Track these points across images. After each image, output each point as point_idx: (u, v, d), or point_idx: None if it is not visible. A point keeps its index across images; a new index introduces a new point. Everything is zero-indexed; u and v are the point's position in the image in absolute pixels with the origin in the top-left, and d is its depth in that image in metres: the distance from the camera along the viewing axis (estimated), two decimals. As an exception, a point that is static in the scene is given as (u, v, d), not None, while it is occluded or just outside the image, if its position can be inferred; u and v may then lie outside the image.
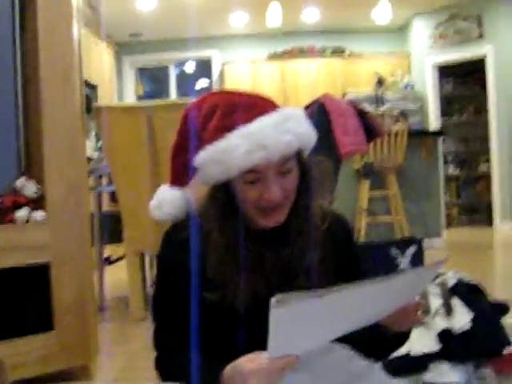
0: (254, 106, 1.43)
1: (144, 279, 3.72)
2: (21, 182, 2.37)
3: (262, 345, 1.23)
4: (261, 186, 1.38)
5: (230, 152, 1.35)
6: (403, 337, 1.48)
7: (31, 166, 2.47)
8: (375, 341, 1.44)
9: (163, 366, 1.52)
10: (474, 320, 2.03)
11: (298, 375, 1.32)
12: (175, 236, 1.51)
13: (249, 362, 1.27)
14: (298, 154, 1.44)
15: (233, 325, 1.37)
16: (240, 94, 1.46)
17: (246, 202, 1.41)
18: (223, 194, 1.42)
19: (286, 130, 1.38)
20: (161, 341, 1.54)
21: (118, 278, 4.98)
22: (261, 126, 1.38)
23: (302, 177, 1.46)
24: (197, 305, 1.42)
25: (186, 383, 1.33)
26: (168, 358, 1.50)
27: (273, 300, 1.12)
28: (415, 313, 1.35)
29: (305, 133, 1.44)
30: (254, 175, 1.37)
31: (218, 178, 1.40)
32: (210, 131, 1.41)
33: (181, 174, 1.56)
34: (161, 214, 1.57)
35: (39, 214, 2.35)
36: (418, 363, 2.03)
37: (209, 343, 1.42)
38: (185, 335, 1.44)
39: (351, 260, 1.59)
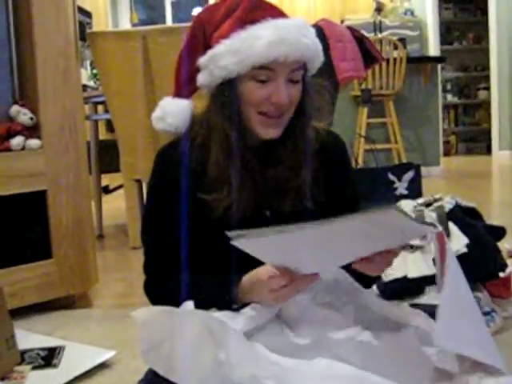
0: (276, 7, 1.44)
1: (142, 206, 3.73)
2: (15, 109, 2.34)
3: (253, 261, 1.28)
4: (270, 88, 1.38)
5: (252, 41, 1.35)
6: (370, 279, 1.47)
7: (25, 93, 2.43)
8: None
9: (154, 290, 1.54)
10: (470, 243, 2.03)
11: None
12: (168, 154, 1.51)
13: (268, 270, 1.30)
14: (305, 71, 1.45)
15: (223, 238, 1.39)
16: None
17: (251, 103, 1.41)
18: (227, 94, 1.41)
19: (305, 35, 1.39)
20: (151, 263, 1.54)
21: (116, 207, 5.00)
22: (284, 23, 1.39)
23: (302, 95, 1.45)
24: (187, 216, 1.43)
25: (180, 302, 1.33)
26: (159, 281, 1.51)
27: (229, 234, 1.18)
28: (390, 262, 1.31)
29: (318, 47, 1.45)
30: (267, 73, 1.37)
31: (229, 71, 1.38)
32: (231, 22, 1.40)
33: (185, 85, 1.53)
34: (164, 126, 1.54)
35: (34, 142, 2.33)
36: (415, 286, 2.05)
37: (200, 261, 1.44)
38: (176, 256, 1.45)
39: (345, 181, 1.58)
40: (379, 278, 1.69)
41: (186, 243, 1.43)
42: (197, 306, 1.30)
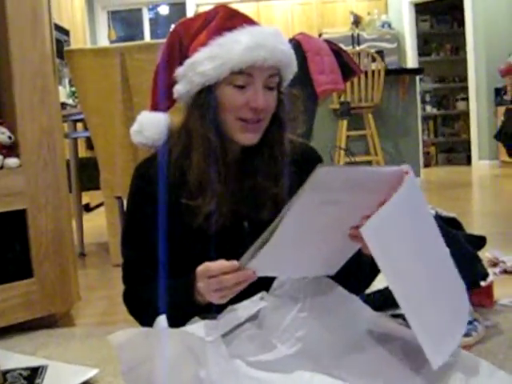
0: (251, 17, 1.49)
1: (123, 223, 3.71)
2: (-8, 128, 2.33)
3: None
4: (248, 93, 1.42)
5: (231, 46, 1.39)
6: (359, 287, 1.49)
7: (3, 112, 2.42)
8: (357, 270, 1.45)
9: (132, 298, 1.54)
10: (451, 252, 2.04)
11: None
12: (145, 169, 1.52)
13: (205, 265, 1.32)
14: (280, 80, 1.49)
15: (202, 248, 1.39)
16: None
17: (230, 109, 1.43)
18: (206, 100, 1.43)
19: (281, 42, 1.45)
20: (129, 274, 1.55)
21: (98, 225, 4.97)
22: (261, 30, 1.44)
23: (277, 104, 1.48)
24: (165, 227, 1.45)
25: (159, 308, 1.33)
26: (137, 290, 1.52)
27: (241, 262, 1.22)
28: None
29: (292, 56, 1.49)
30: (245, 78, 1.41)
31: (208, 77, 1.41)
32: (209, 31, 1.43)
33: (162, 98, 1.55)
34: (141, 139, 1.56)
35: (12, 161, 2.31)
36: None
37: (179, 270, 1.44)
38: (154, 267, 1.46)
39: None
40: (367, 285, 1.70)
41: (164, 252, 1.44)
42: (170, 313, 1.30)
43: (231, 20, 1.44)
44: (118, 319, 2.47)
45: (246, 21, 1.46)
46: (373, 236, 1.17)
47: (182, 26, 1.52)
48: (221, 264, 1.28)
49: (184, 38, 1.48)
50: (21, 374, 1.87)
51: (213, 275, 1.28)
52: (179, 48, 1.49)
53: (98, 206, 6.15)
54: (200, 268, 1.32)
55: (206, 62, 1.40)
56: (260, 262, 1.24)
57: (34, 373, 1.88)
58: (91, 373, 1.86)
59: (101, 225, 4.57)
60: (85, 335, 2.37)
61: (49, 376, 1.86)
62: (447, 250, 1.34)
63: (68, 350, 2.19)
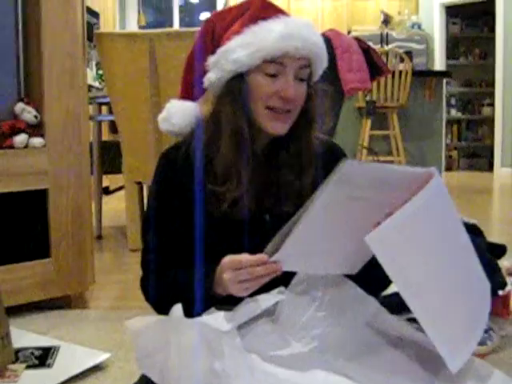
0: (284, 10, 1.49)
1: (142, 209, 3.72)
2: (20, 106, 2.34)
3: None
4: (279, 82, 1.42)
5: (264, 34, 1.39)
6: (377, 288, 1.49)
7: (31, 91, 2.43)
8: (375, 271, 1.44)
9: (149, 284, 1.54)
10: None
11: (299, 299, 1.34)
12: (170, 156, 1.52)
13: (233, 257, 1.31)
14: (310, 74, 1.49)
15: (222, 238, 1.39)
16: None
17: (260, 97, 1.44)
18: (237, 87, 1.44)
19: (314, 33, 1.45)
20: (148, 260, 1.55)
21: (116, 208, 5.00)
22: (295, 20, 1.45)
23: (306, 99, 1.48)
24: (200, 217, 1.44)
25: (177, 298, 1.33)
26: (154, 277, 1.52)
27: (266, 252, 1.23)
28: None
29: (324, 50, 1.49)
30: (277, 67, 1.41)
31: (240, 64, 1.41)
32: (243, 21, 1.44)
33: (192, 87, 1.56)
34: (168, 126, 1.58)
35: (38, 141, 2.32)
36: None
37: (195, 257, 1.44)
38: (173, 255, 1.48)
39: None
40: (385, 287, 1.68)
41: (201, 240, 1.44)
42: (186, 303, 1.30)
43: (265, 10, 1.45)
44: (131, 305, 2.48)
45: (280, 11, 1.46)
46: (378, 245, 1.15)
47: (216, 16, 1.52)
48: (249, 256, 1.28)
49: (217, 28, 1.48)
50: (33, 353, 1.88)
51: (241, 267, 1.28)
52: (212, 37, 1.49)
53: (117, 189, 6.17)
54: (227, 259, 1.32)
55: (239, 50, 1.40)
56: (284, 255, 1.24)
57: (46, 353, 1.89)
58: (103, 357, 1.87)
59: (119, 208, 4.59)
60: (98, 318, 2.38)
61: (60, 357, 1.88)
62: (475, 256, 1.32)
63: (80, 332, 2.20)
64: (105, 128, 5.49)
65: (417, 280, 1.20)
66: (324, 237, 1.24)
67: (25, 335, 2.04)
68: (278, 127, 1.46)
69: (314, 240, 1.23)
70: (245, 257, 1.29)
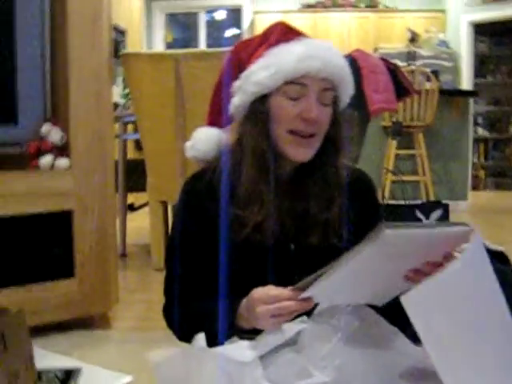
0: (306, 33, 1.49)
1: (166, 228, 3.73)
2: (46, 128, 2.36)
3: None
4: (301, 104, 1.40)
5: (284, 56, 1.39)
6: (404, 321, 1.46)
7: (57, 112, 2.45)
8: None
9: (172, 312, 1.53)
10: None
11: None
12: (194, 183, 1.52)
13: (266, 291, 1.29)
14: (335, 99, 1.47)
15: (245, 266, 1.39)
16: None
17: (282, 120, 1.42)
18: (260, 110, 1.43)
19: (336, 53, 1.44)
20: (171, 288, 1.54)
21: (140, 226, 5.00)
22: (315, 42, 1.44)
23: (332, 124, 1.46)
24: (225, 243, 1.43)
25: (200, 327, 1.32)
26: (177, 305, 1.51)
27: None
28: None
29: (348, 72, 1.48)
30: (299, 89, 1.40)
31: (261, 86, 1.41)
32: (267, 45, 1.44)
33: (219, 115, 1.56)
34: (193, 153, 1.59)
35: (63, 161, 2.34)
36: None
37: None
38: (196, 284, 1.48)
39: (373, 219, 1.55)
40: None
41: (225, 268, 1.43)
42: (208, 334, 1.28)
43: (287, 34, 1.45)
44: (155, 325, 2.46)
45: (302, 34, 1.46)
46: (413, 307, 1.14)
47: (240, 44, 1.53)
48: (283, 290, 1.26)
49: (242, 55, 1.48)
50: (56, 376, 1.89)
51: (274, 301, 1.26)
52: (237, 64, 1.49)
53: (141, 206, 6.18)
54: (258, 293, 1.29)
55: (260, 71, 1.40)
56: (315, 294, 1.23)
57: (69, 375, 1.90)
58: (125, 379, 1.87)
59: (143, 226, 4.59)
60: (121, 340, 2.38)
61: (83, 379, 1.88)
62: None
63: (103, 353, 2.20)
64: (130, 144, 5.52)
65: (448, 346, 1.17)
66: (356, 282, 1.23)
67: (48, 355, 2.05)
68: (300, 153, 1.44)
69: (347, 284, 1.22)
70: (280, 291, 1.27)
